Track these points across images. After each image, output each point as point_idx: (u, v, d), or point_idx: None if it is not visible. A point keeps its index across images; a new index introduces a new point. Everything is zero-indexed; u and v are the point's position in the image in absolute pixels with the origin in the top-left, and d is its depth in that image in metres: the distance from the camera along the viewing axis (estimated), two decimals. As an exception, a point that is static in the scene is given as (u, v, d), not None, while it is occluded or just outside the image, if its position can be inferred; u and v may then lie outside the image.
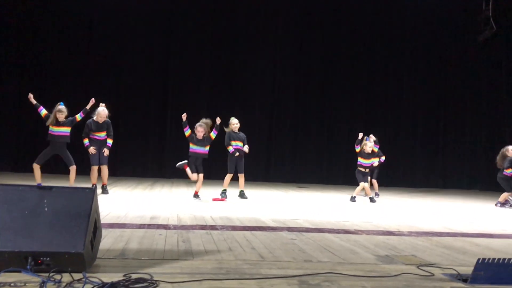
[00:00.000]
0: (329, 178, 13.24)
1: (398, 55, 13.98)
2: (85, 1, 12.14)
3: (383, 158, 9.71)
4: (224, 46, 13.04)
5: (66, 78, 11.94)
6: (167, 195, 8.06)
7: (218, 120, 7.45)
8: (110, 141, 7.75)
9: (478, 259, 2.74)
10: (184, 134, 7.43)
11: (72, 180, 7.41)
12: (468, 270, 2.99)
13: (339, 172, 13.10)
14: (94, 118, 7.66)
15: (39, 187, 2.99)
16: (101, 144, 7.68)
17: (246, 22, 13.17)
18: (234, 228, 4.80)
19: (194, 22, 12.82)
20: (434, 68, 14.13)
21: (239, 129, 7.90)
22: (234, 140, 7.80)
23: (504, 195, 8.88)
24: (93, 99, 7.56)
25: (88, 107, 7.54)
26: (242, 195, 7.95)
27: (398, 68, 14.06)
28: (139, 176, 11.81)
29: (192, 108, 12.31)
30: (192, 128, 7.44)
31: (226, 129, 7.89)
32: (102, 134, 7.71)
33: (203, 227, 4.73)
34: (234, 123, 7.88)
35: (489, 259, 2.71)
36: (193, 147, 7.40)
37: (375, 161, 9.16)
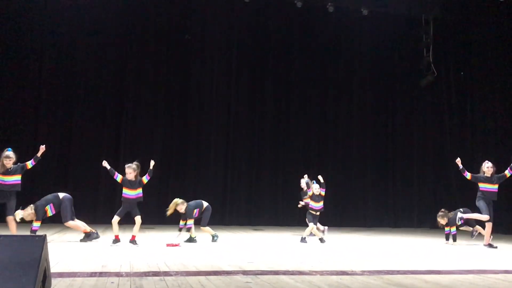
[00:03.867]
0: (284, 220, 13.31)
1: (347, 98, 14.56)
2: (35, 37, 12.08)
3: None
4: (177, 94, 13.20)
5: (13, 121, 11.67)
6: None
7: (152, 163, 7.38)
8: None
9: (425, 295, 2.84)
10: (117, 182, 7.34)
11: (14, 231, 7.12)
12: (417, 306, 3.09)
13: (293, 214, 13.19)
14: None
15: (-15, 236, 2.89)
16: None
17: (200, 69, 13.41)
18: (189, 273, 4.75)
19: (146, 73, 13.06)
20: (382, 110, 14.77)
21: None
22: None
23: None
24: (43, 146, 7.42)
25: (39, 154, 7.39)
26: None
27: (348, 110, 14.57)
28: (90, 223, 11.44)
29: (144, 154, 12.21)
30: (122, 173, 7.37)
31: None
32: None
33: (156, 274, 4.65)
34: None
35: (435, 294, 2.83)
36: (126, 192, 7.33)
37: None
